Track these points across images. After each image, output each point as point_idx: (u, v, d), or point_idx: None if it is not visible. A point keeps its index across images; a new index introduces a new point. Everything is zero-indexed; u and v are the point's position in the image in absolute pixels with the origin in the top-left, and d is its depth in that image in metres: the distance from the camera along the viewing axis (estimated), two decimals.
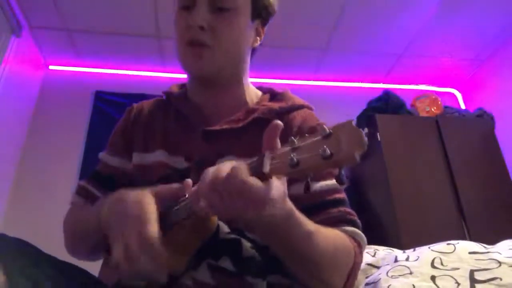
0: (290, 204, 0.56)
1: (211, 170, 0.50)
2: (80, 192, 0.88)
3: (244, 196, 0.47)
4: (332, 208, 0.73)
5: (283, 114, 0.82)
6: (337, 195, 0.75)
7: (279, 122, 0.50)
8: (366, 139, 0.40)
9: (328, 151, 0.40)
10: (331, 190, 0.75)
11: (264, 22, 0.90)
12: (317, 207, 0.71)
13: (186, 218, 0.61)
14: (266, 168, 0.47)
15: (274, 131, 0.49)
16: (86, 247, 0.82)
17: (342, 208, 0.74)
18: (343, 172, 0.42)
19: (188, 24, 0.78)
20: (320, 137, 0.43)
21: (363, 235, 0.73)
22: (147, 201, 0.61)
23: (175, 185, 0.64)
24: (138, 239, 0.56)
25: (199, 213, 0.57)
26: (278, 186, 0.50)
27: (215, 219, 0.66)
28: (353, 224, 0.73)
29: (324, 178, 0.75)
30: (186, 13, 0.80)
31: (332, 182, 0.75)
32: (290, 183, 0.73)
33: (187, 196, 0.63)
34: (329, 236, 0.65)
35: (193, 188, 0.54)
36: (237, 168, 0.48)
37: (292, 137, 0.46)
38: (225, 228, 0.70)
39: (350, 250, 0.68)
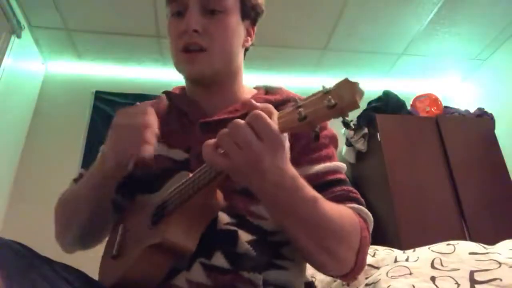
0: (292, 167, 0.59)
1: (230, 123, 0.55)
2: (78, 179, 0.89)
3: (261, 130, 0.52)
4: (335, 187, 0.75)
5: (278, 105, 0.84)
6: (338, 175, 0.77)
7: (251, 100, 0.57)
8: (362, 88, 0.47)
9: (333, 101, 0.46)
10: (332, 171, 0.77)
11: (253, 22, 0.92)
12: (320, 187, 0.71)
13: (194, 194, 0.62)
14: (275, 124, 0.53)
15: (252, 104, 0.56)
16: (78, 227, 0.80)
17: (345, 187, 0.75)
18: (346, 118, 0.48)
19: (182, 30, 0.81)
20: (321, 93, 0.49)
21: (368, 212, 0.74)
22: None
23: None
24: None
25: (211, 177, 0.60)
26: (287, 142, 0.56)
27: (221, 197, 0.67)
28: (356, 201, 0.74)
29: (324, 160, 0.77)
30: (179, 19, 0.83)
31: (332, 163, 0.78)
32: (293, 165, 0.75)
33: (190, 175, 0.65)
34: (335, 207, 0.66)
35: (209, 142, 0.57)
36: (259, 111, 0.53)
37: (296, 97, 0.52)
38: (225, 218, 0.71)
39: (356, 223, 0.69)
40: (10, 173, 2.61)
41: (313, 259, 0.70)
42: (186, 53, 0.81)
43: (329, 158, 0.78)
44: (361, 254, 0.68)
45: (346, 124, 0.48)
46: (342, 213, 0.67)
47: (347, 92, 0.46)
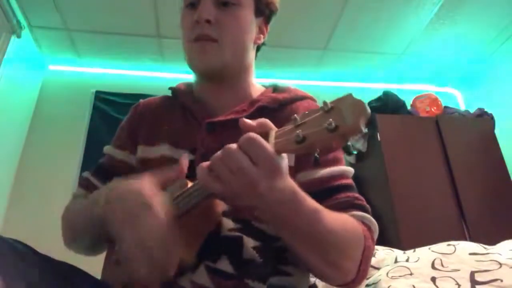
0: (291, 180, 0.56)
1: (223, 148, 0.51)
2: (83, 183, 0.89)
3: (256, 155, 0.48)
4: (339, 193, 0.72)
5: (286, 104, 0.83)
6: (344, 181, 0.75)
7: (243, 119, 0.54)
8: (368, 108, 0.41)
9: (334, 124, 0.41)
10: (337, 176, 0.74)
11: (267, 20, 0.91)
12: (325, 193, 0.70)
13: (191, 208, 0.61)
14: (271, 146, 0.48)
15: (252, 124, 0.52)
16: (85, 242, 0.81)
17: (350, 193, 0.73)
18: (349, 143, 0.43)
19: (194, 21, 0.80)
20: (322, 112, 0.43)
21: (372, 219, 0.72)
22: (144, 188, 0.60)
23: (170, 171, 0.64)
24: (139, 232, 0.55)
25: (208, 194, 0.57)
26: (285, 158, 0.52)
27: (220, 208, 0.66)
28: (361, 209, 0.72)
29: (329, 164, 0.75)
30: (192, 11, 0.82)
31: (338, 168, 0.75)
32: (296, 170, 0.73)
33: (189, 186, 0.63)
34: (337, 218, 0.64)
35: (203, 165, 0.53)
36: (253, 133, 0.49)
37: (295, 115, 0.46)
38: (229, 224, 0.70)
39: (359, 232, 0.67)
40: (10, 173, 2.61)
41: (315, 271, 0.69)
42: (196, 43, 0.80)
43: (335, 162, 0.76)
44: (363, 264, 0.66)
45: (347, 151, 0.43)
46: (345, 223, 0.65)
47: (350, 113, 0.41)
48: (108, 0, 2.42)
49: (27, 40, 2.69)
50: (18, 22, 2.49)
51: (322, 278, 0.72)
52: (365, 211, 0.72)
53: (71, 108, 2.90)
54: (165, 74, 3.05)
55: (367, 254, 0.67)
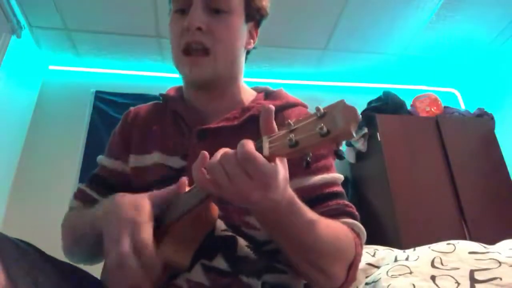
0: (291, 191, 0.57)
1: (220, 150, 0.52)
2: (79, 195, 0.88)
3: (252, 171, 0.48)
4: (330, 200, 0.73)
5: (278, 111, 0.82)
6: (335, 188, 0.76)
7: (271, 106, 0.52)
8: (359, 114, 0.42)
9: (325, 129, 0.42)
10: (329, 183, 0.75)
11: (256, 25, 0.91)
12: (316, 200, 0.71)
13: (187, 212, 0.61)
14: (266, 151, 0.49)
15: (268, 115, 0.51)
16: (85, 250, 0.82)
17: (340, 201, 0.74)
18: (340, 147, 0.43)
19: (184, 27, 0.78)
20: (315, 117, 0.45)
21: (362, 227, 0.73)
22: (142, 204, 0.61)
23: (171, 187, 0.65)
24: (130, 243, 0.56)
25: (204, 196, 0.57)
26: (282, 170, 0.52)
27: (216, 211, 0.66)
28: (351, 216, 0.73)
29: (321, 171, 0.76)
30: (181, 17, 0.81)
31: (329, 175, 0.76)
32: (290, 175, 0.74)
33: (189, 189, 0.63)
34: (331, 226, 0.65)
35: (199, 165, 0.53)
36: (246, 141, 0.49)
37: (289, 120, 0.48)
38: (221, 225, 0.71)
39: (351, 241, 0.68)
40: (10, 173, 2.61)
41: (305, 276, 0.71)
42: (188, 56, 0.79)
43: (326, 169, 0.77)
44: (352, 270, 0.68)
45: (338, 155, 0.45)
46: (338, 232, 0.67)
47: (341, 118, 0.42)
48: (108, 0, 2.42)
49: (27, 40, 2.69)
50: (18, 22, 2.49)
51: (311, 282, 0.73)
52: (355, 218, 0.73)
53: (71, 108, 2.90)
54: (165, 74, 3.05)
55: (356, 261, 0.69)
